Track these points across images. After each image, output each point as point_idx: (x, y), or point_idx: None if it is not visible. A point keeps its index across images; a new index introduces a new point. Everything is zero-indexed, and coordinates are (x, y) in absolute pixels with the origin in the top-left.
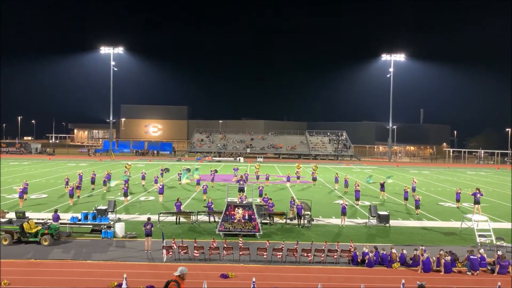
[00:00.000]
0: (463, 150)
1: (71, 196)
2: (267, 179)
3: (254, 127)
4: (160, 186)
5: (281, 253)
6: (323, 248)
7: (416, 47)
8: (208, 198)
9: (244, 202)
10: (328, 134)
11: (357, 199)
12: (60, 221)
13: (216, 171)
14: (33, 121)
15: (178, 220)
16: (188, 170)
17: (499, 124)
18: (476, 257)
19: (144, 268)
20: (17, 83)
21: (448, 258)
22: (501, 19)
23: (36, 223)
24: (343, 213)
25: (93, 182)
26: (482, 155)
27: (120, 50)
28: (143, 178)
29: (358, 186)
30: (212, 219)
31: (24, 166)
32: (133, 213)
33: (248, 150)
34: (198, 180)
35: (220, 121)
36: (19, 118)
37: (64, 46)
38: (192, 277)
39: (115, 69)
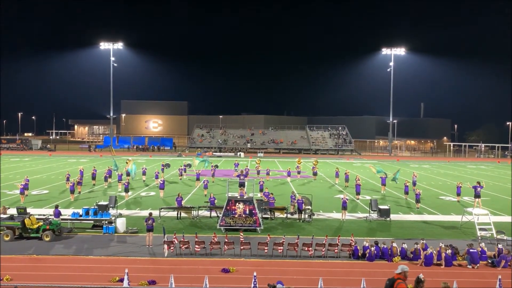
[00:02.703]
0: (463, 144)
1: (72, 192)
2: (267, 174)
3: (254, 122)
4: (161, 182)
5: (282, 248)
6: (323, 242)
7: (417, 41)
8: (210, 194)
9: (244, 197)
10: (329, 128)
11: (358, 193)
12: (61, 217)
13: (216, 166)
14: (33, 117)
15: (179, 215)
16: (189, 165)
17: (500, 118)
18: (476, 250)
19: (146, 263)
20: (18, 79)
21: (449, 251)
22: (502, 12)
23: (37, 219)
24: (344, 207)
25: (94, 177)
26: (483, 149)
27: (119, 45)
28: (144, 173)
29: (359, 180)
30: (214, 214)
31: (25, 162)
32: (134, 209)
33: (249, 145)
34: (198, 175)
35: (221, 117)
36: (20, 114)
37: (64, 42)
38: (193, 272)
39: (115, 64)
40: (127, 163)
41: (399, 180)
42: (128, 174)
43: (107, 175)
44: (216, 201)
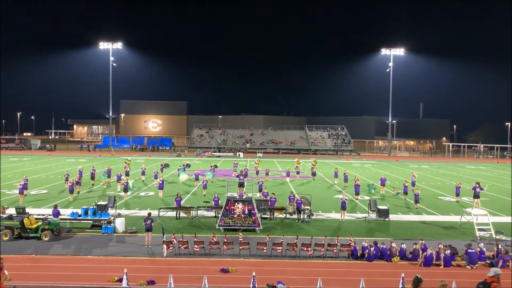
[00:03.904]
0: (462, 144)
1: (71, 191)
2: (266, 174)
3: (253, 122)
4: (160, 182)
5: (281, 248)
6: (322, 242)
7: (416, 42)
8: (214, 193)
9: (243, 197)
10: (328, 129)
11: (357, 193)
12: (60, 217)
13: (216, 166)
14: (32, 117)
15: (178, 215)
16: (189, 165)
17: (499, 118)
18: (474, 250)
19: (145, 263)
20: (17, 79)
21: (448, 252)
22: (501, 13)
23: (36, 218)
24: (343, 207)
25: (93, 177)
26: (482, 149)
27: (119, 45)
28: (143, 173)
29: (358, 180)
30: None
31: (24, 162)
32: (133, 209)
33: (248, 146)
34: (196, 175)
35: (220, 117)
36: (19, 114)
37: (63, 42)
38: (192, 272)
39: (114, 64)
40: (126, 163)
41: (397, 187)
42: (127, 174)
43: (107, 175)
44: (220, 201)
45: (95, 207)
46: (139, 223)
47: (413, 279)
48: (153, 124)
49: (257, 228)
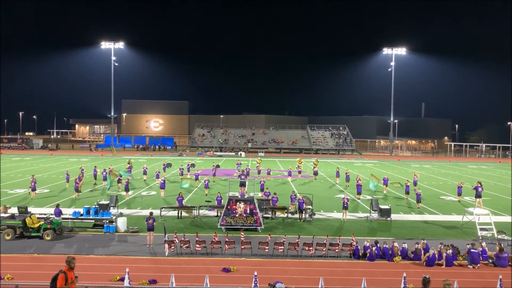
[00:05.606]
0: (464, 144)
1: (77, 190)
2: (268, 173)
3: (255, 122)
4: (162, 181)
5: (282, 247)
6: (324, 242)
7: (418, 41)
8: (218, 193)
9: (245, 197)
10: (330, 128)
11: (359, 193)
12: (62, 216)
13: (218, 166)
14: (34, 117)
15: (180, 214)
16: (193, 165)
17: (501, 118)
18: (477, 250)
19: (146, 263)
20: (19, 78)
21: (450, 251)
22: (502, 12)
23: (38, 218)
24: (345, 207)
25: (95, 177)
26: (484, 149)
27: (120, 45)
28: (145, 173)
29: (360, 180)
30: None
31: (26, 161)
32: (135, 208)
33: (250, 145)
34: (197, 175)
35: (221, 116)
36: (21, 113)
37: (65, 41)
38: (194, 271)
39: (116, 64)
40: (128, 163)
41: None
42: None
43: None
44: (222, 200)
45: (97, 206)
46: (141, 222)
47: (422, 280)
48: (154, 124)
49: (258, 228)
